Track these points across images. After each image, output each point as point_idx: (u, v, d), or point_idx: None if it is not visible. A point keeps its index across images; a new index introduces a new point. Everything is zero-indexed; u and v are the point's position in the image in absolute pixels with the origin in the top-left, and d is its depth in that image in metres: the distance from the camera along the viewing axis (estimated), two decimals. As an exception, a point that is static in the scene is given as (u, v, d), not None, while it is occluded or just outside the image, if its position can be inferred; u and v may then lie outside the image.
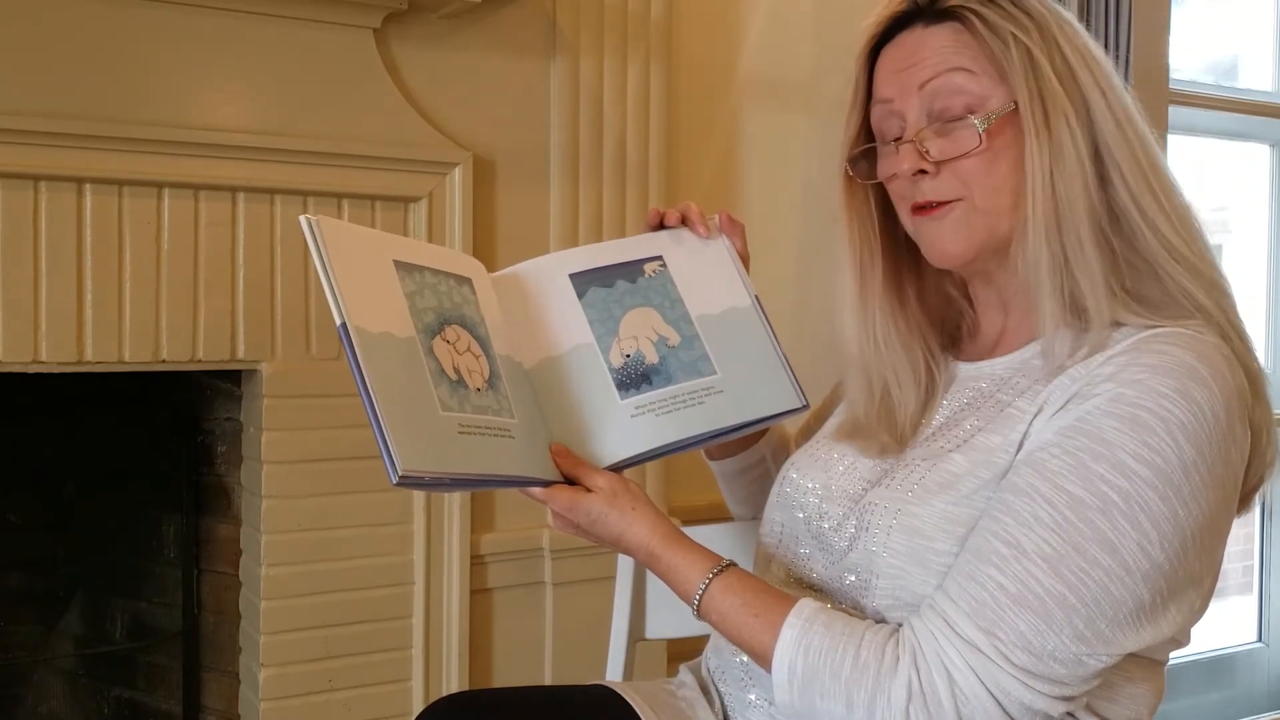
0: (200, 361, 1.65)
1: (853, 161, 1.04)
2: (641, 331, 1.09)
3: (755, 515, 1.25)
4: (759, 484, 1.25)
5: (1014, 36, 0.93)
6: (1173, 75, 2.64)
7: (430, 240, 1.77)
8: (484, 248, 1.84)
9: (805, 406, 1.11)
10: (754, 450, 1.24)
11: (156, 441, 1.89)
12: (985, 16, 0.94)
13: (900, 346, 1.04)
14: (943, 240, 0.98)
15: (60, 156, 1.52)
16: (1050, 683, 0.83)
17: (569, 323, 1.08)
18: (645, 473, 1.97)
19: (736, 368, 1.09)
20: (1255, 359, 0.93)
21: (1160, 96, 2.56)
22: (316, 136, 1.69)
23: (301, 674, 1.73)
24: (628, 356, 1.07)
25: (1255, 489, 0.94)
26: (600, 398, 1.05)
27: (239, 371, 1.74)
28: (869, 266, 1.05)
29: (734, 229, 1.18)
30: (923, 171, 0.97)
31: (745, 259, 1.18)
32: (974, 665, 0.83)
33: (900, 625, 0.90)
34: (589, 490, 1.00)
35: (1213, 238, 0.98)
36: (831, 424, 1.13)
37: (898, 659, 0.86)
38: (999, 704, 0.83)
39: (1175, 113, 2.65)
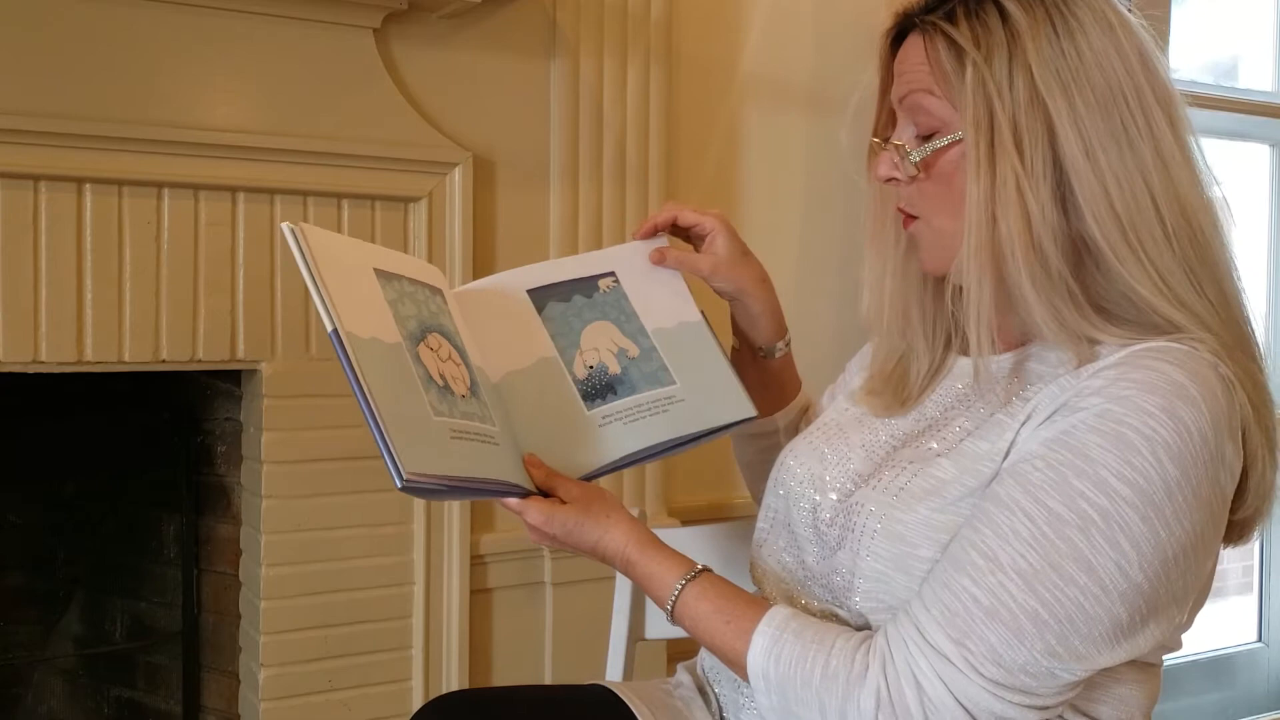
0: (200, 361, 1.65)
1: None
2: (602, 344, 1.11)
3: (757, 481, 1.27)
4: (767, 454, 1.25)
5: (973, 62, 0.89)
6: (1173, 75, 2.64)
7: (430, 241, 1.77)
8: (484, 248, 1.84)
9: (756, 416, 1.14)
10: (770, 420, 1.24)
11: (156, 441, 1.89)
12: (950, 35, 0.91)
13: (918, 322, 1.04)
14: (920, 253, 1.00)
15: (60, 156, 1.52)
16: (1021, 694, 0.82)
17: (531, 337, 1.10)
18: (644, 473, 1.97)
19: (693, 378, 1.12)
20: (1266, 389, 0.90)
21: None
22: (316, 136, 1.69)
23: (301, 674, 1.73)
24: (590, 368, 1.09)
25: (1254, 520, 0.92)
26: (568, 409, 1.07)
27: (239, 371, 1.74)
28: (895, 243, 1.05)
29: (680, 263, 1.16)
30: (895, 179, 0.98)
31: (735, 255, 1.18)
32: (943, 675, 0.83)
33: (874, 631, 0.90)
34: (563, 501, 1.00)
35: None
36: (833, 411, 1.13)
37: (867, 666, 0.86)
38: (968, 713, 0.82)
39: (1175, 113, 2.65)
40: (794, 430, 1.26)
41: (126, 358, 1.59)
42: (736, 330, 1.22)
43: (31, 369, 1.54)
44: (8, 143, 1.49)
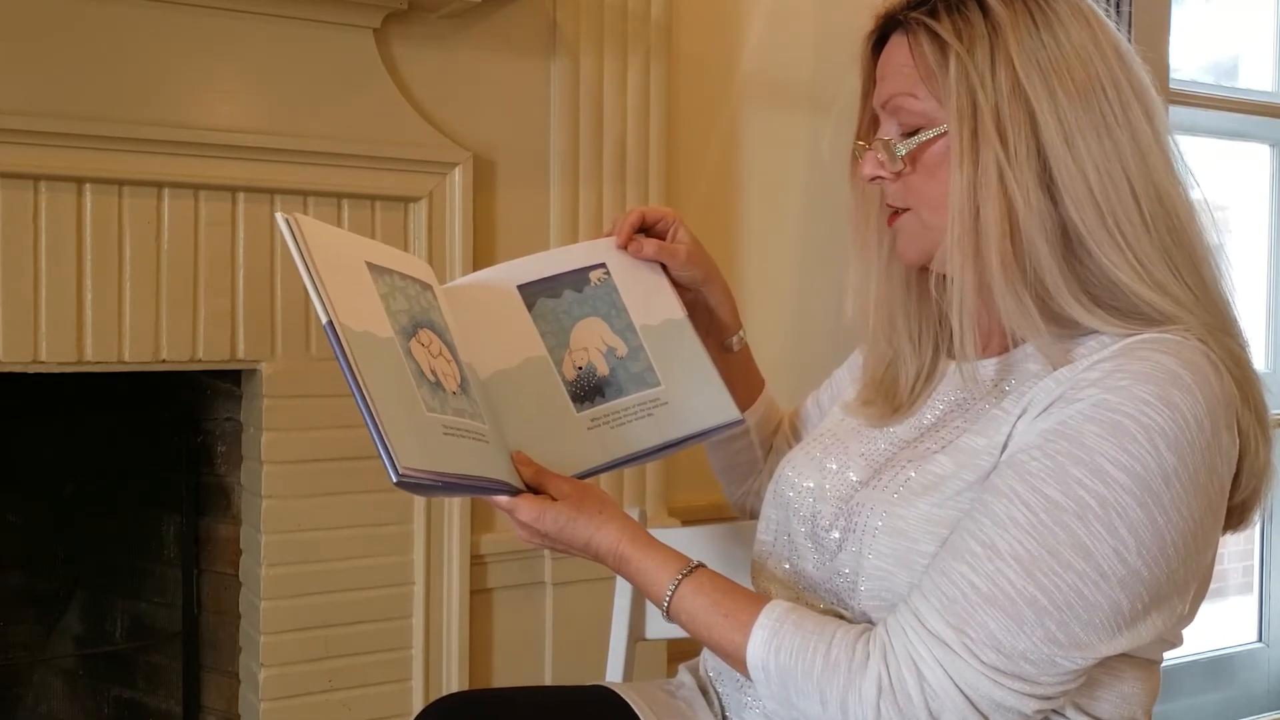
0: (200, 361, 1.65)
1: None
2: (591, 343, 1.11)
3: (737, 487, 1.30)
4: (742, 455, 1.27)
5: (956, 54, 0.91)
6: (1173, 75, 2.64)
7: (430, 241, 1.77)
8: (484, 248, 1.84)
9: (742, 421, 1.14)
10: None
11: (156, 441, 1.89)
12: (933, 29, 0.93)
13: (904, 327, 1.05)
14: (900, 246, 1.01)
15: (60, 156, 1.52)
16: (1022, 681, 0.82)
17: (520, 335, 1.09)
18: (644, 473, 1.96)
19: (678, 380, 1.12)
20: (1249, 367, 0.91)
21: (1160, 96, 2.56)
22: (316, 136, 1.69)
23: (301, 674, 1.73)
24: (580, 369, 1.09)
25: (1251, 502, 0.93)
26: (557, 410, 1.07)
27: (239, 371, 1.74)
28: (879, 248, 1.06)
29: (659, 251, 1.17)
30: (881, 177, 0.99)
31: (696, 256, 1.19)
32: (942, 661, 0.83)
33: (875, 623, 0.90)
34: (554, 499, 1.00)
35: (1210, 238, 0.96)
36: (830, 421, 1.13)
37: (868, 655, 0.87)
38: (968, 700, 0.83)
39: (1175, 113, 2.65)
40: (766, 430, 1.27)
41: (126, 358, 1.59)
42: (697, 327, 1.22)
43: (31, 369, 1.54)
44: (8, 143, 1.48)
